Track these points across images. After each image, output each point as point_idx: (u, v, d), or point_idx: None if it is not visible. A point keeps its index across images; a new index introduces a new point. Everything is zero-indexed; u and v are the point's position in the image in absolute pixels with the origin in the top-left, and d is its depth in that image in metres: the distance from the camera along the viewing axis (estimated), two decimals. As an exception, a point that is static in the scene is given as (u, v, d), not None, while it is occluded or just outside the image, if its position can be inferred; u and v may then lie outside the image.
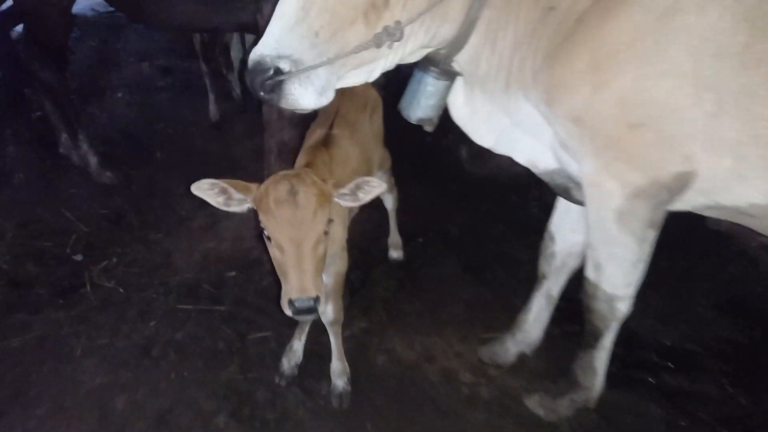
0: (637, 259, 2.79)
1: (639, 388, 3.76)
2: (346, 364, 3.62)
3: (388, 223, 4.79)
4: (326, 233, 2.56)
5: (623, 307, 2.98)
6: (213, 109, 6.91)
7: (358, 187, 2.63)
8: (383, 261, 4.76)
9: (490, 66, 2.72)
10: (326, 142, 3.20)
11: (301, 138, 5.03)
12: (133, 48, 9.27)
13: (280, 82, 2.22)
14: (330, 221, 2.56)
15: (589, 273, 2.97)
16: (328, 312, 3.44)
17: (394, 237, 4.75)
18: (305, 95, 2.26)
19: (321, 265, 2.57)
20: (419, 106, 2.79)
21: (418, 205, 5.42)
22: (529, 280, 4.67)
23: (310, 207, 2.48)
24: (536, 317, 3.66)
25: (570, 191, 3.10)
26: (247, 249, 4.81)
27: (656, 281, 3.96)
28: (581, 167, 2.71)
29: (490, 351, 3.84)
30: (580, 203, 3.14)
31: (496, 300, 4.47)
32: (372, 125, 3.74)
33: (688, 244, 4.91)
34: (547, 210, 5.80)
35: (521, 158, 3.09)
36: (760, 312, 4.43)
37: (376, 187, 2.61)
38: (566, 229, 3.36)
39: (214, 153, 6.30)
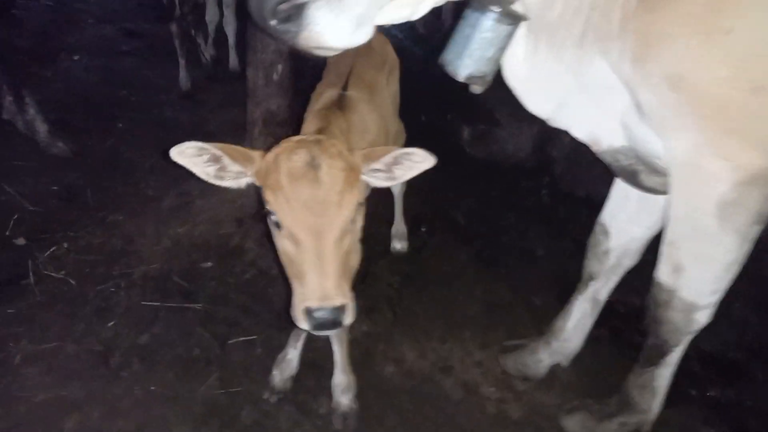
0: (732, 261, 2.24)
1: (684, 403, 3.26)
2: (352, 377, 3.00)
3: (386, 209, 4.17)
4: (354, 222, 1.94)
5: (703, 319, 2.43)
6: (183, 75, 6.15)
7: (395, 161, 2.00)
8: (385, 253, 4.15)
9: (566, 7, 2.12)
10: (341, 105, 2.54)
11: (292, 108, 4.36)
12: (95, 8, 8.36)
13: (303, 6, 1.59)
14: (360, 205, 1.93)
15: (664, 276, 2.40)
16: (333, 316, 2.81)
17: (399, 226, 4.12)
18: (336, 27, 1.64)
19: (347, 264, 1.95)
20: (472, 59, 2.16)
21: (419, 190, 4.80)
22: (547, 276, 4.22)
23: (336, 186, 1.86)
24: (577, 324, 3.11)
25: (638, 175, 2.53)
26: (225, 235, 4.13)
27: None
28: (670, 145, 2.14)
29: (517, 361, 3.27)
30: (650, 190, 2.59)
31: (515, 299, 3.92)
32: (389, 89, 3.09)
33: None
34: (561, 198, 5.40)
35: (581, 133, 2.51)
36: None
37: (422, 161, 1.98)
38: (623, 221, 2.80)
39: (184, 124, 5.55)
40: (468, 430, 2.99)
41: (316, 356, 3.26)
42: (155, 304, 3.49)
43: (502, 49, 2.22)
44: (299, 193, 1.83)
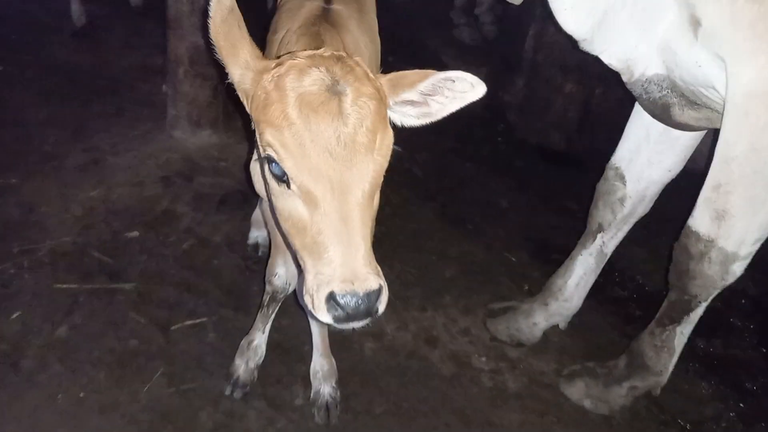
0: (790, 207, 1.98)
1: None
2: (332, 360, 2.53)
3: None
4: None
5: (739, 270, 2.20)
6: (76, 9, 5.14)
7: (434, 90, 1.49)
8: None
9: None
10: (330, 21, 1.96)
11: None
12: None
13: None
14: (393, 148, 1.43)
15: (702, 225, 2.12)
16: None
17: None
18: None
19: (372, 230, 1.44)
20: None
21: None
22: (517, 231, 3.91)
23: (368, 121, 1.36)
24: (579, 282, 2.80)
25: (670, 109, 2.22)
26: (151, 198, 3.45)
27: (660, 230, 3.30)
28: (736, 70, 1.81)
29: (509, 326, 2.93)
30: (682, 127, 2.29)
31: (489, 257, 3.59)
32: (373, 11, 2.52)
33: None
34: (517, 146, 5.11)
35: (615, 57, 2.16)
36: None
37: (470, 89, 1.48)
38: (642, 164, 2.49)
39: (82, 68, 4.64)
40: (466, 408, 2.63)
41: (282, 337, 2.76)
42: (72, 286, 2.80)
43: None
44: (319, 129, 1.31)
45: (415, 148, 4.46)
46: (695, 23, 1.86)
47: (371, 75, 1.43)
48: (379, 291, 1.36)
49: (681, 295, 2.32)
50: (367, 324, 1.45)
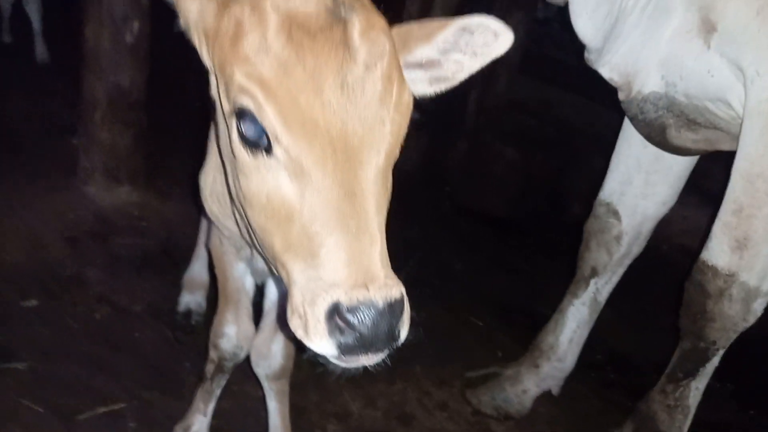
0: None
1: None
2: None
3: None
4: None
5: (760, 309, 1.98)
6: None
7: (452, 45, 1.15)
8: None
9: None
10: None
11: (150, 86, 3.24)
12: None
13: None
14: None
15: (721, 256, 1.90)
16: (274, 353, 1.83)
17: None
18: None
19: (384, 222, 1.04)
20: None
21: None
22: (476, 293, 3.61)
23: (384, 61, 0.99)
24: (573, 337, 2.50)
25: (666, 130, 2.06)
26: (54, 261, 2.86)
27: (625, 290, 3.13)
28: (759, 76, 1.65)
29: (493, 396, 2.55)
30: (677, 150, 2.13)
31: (454, 321, 3.25)
32: None
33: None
34: (461, 209, 4.91)
35: (617, 69, 2.01)
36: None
37: (495, 40, 1.15)
38: (634, 196, 2.29)
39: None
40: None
41: (223, 423, 2.20)
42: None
43: None
44: (317, 66, 0.92)
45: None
46: (709, 28, 1.72)
47: (375, 9, 1.06)
48: (402, 302, 0.95)
49: (697, 342, 2.05)
50: (384, 361, 1.04)
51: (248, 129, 0.96)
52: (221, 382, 1.97)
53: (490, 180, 4.93)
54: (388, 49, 1.00)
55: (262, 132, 0.95)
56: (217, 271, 1.76)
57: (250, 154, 0.98)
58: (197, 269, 2.70)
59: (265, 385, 1.93)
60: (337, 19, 0.96)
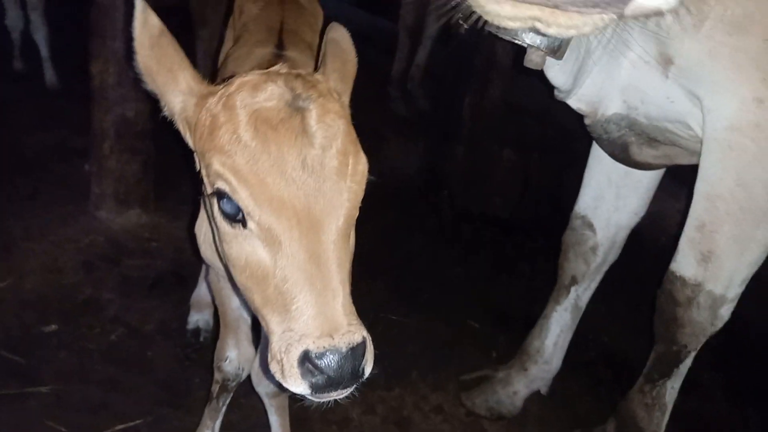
0: (772, 244, 1.92)
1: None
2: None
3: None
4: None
5: (727, 314, 2.10)
6: (-19, 92, 4.75)
7: None
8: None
9: None
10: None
11: (150, 114, 3.41)
12: None
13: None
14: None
15: (689, 269, 2.02)
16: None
17: None
18: None
19: (350, 275, 1.21)
20: None
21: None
22: (474, 300, 3.74)
23: (338, 141, 1.16)
24: (557, 340, 2.63)
25: (629, 148, 2.19)
26: (70, 285, 3.04)
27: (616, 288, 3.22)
28: (718, 103, 1.78)
29: (488, 398, 2.69)
30: (640, 165, 2.27)
31: (453, 329, 3.36)
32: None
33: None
34: (462, 214, 5.03)
35: (583, 100, 2.12)
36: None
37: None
38: (608, 210, 2.42)
39: (-11, 151, 4.20)
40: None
41: (231, 434, 2.38)
42: (-25, 395, 2.32)
43: None
44: (279, 153, 1.09)
45: (357, 222, 4.27)
46: (666, 61, 1.83)
47: (335, 92, 1.25)
48: (364, 345, 1.11)
49: (669, 346, 2.18)
50: (352, 394, 1.19)
51: (226, 206, 1.14)
52: (226, 400, 2.14)
53: (490, 183, 5.04)
54: (342, 129, 1.17)
55: (238, 209, 1.12)
56: (217, 302, 1.92)
57: (229, 225, 1.16)
58: (204, 290, 2.86)
59: (266, 401, 2.10)
60: (296, 110, 1.13)
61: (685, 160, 2.14)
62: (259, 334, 2.09)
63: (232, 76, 1.24)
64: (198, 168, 1.28)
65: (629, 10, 0.75)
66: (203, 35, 5.42)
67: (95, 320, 2.85)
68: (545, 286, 4.12)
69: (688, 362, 2.25)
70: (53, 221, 3.45)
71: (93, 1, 2.99)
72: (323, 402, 1.17)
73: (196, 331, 2.82)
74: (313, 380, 1.08)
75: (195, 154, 1.28)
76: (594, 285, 2.54)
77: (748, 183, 1.80)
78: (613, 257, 2.49)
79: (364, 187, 1.19)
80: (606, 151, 2.22)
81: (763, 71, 1.71)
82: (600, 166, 2.37)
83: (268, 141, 1.09)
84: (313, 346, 1.07)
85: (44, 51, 5.25)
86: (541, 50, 1.86)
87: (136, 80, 3.16)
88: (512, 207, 5.14)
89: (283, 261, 1.09)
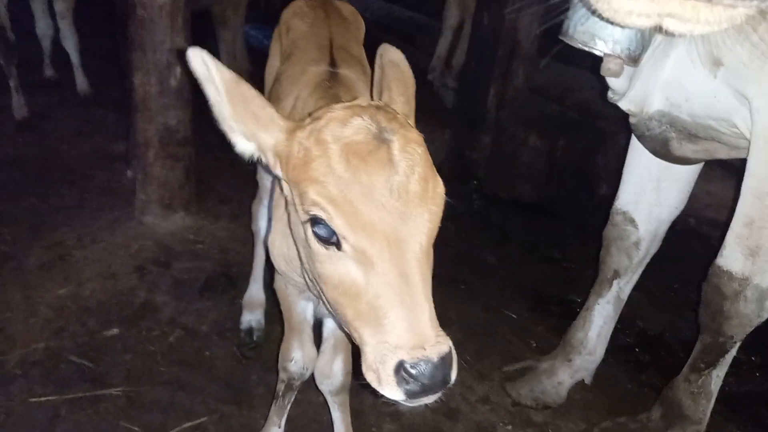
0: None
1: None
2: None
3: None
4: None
5: (773, 305, 2.14)
6: (17, 100, 4.87)
7: None
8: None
9: None
10: (343, 85, 1.86)
11: (194, 122, 3.52)
12: None
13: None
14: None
15: (735, 263, 2.09)
16: (335, 372, 2.10)
17: None
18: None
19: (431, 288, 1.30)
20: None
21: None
22: (509, 286, 3.83)
23: (420, 168, 1.26)
24: (600, 332, 2.71)
25: (669, 143, 2.25)
26: (126, 290, 3.17)
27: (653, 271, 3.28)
28: (762, 106, 1.83)
29: (533, 389, 2.78)
30: (679, 160, 2.34)
31: (490, 316, 3.46)
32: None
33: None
34: (490, 201, 5.11)
35: (632, 101, 2.18)
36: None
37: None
38: (649, 204, 2.47)
39: (32, 161, 4.35)
40: (503, 484, 2.43)
41: (290, 428, 2.50)
42: (50, 398, 2.47)
43: None
44: (370, 182, 1.20)
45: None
46: (715, 61, 1.88)
47: (409, 121, 1.36)
48: (451, 354, 1.22)
49: (716, 336, 2.25)
50: (439, 398, 1.30)
51: (321, 231, 1.24)
52: (291, 398, 2.26)
53: (516, 168, 5.09)
54: (422, 156, 1.26)
55: (333, 233, 1.22)
56: (283, 308, 2.03)
57: (323, 248, 1.26)
58: (255, 291, 2.99)
59: (329, 398, 2.22)
60: (382, 141, 1.22)
61: (724, 154, 2.20)
62: (320, 335, 2.21)
63: (318, 110, 1.34)
64: (287, 192, 1.38)
65: None
66: (225, 37, 5.53)
67: (153, 323, 2.98)
68: (578, 271, 4.22)
69: (733, 352, 2.33)
70: (102, 228, 3.59)
71: (129, 16, 3.09)
72: (417, 405, 1.27)
73: (250, 330, 2.95)
74: (408, 387, 1.19)
75: (283, 182, 1.37)
76: (636, 277, 2.62)
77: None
78: (654, 250, 2.56)
79: (442, 208, 1.28)
80: (647, 148, 2.28)
81: None
82: (639, 161, 2.43)
83: (359, 171, 1.20)
84: (408, 357, 1.17)
85: (75, 59, 5.36)
86: (621, 58, 1.89)
87: (177, 90, 3.28)
88: (540, 190, 5.20)
89: (375, 279, 1.20)
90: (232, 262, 3.52)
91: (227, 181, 4.30)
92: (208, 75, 1.29)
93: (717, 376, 2.38)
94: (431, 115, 5.66)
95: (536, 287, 3.84)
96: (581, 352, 2.72)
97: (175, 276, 3.32)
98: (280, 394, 2.24)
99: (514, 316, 3.52)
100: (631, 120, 2.22)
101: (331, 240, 1.24)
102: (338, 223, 1.21)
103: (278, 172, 1.36)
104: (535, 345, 3.27)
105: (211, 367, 2.78)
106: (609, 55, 1.82)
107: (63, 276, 3.20)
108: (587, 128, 5.11)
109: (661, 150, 2.27)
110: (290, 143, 1.30)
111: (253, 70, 6.06)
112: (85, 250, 3.41)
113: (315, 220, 1.24)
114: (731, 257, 2.08)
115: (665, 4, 0.79)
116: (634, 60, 1.82)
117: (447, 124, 5.30)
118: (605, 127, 5.00)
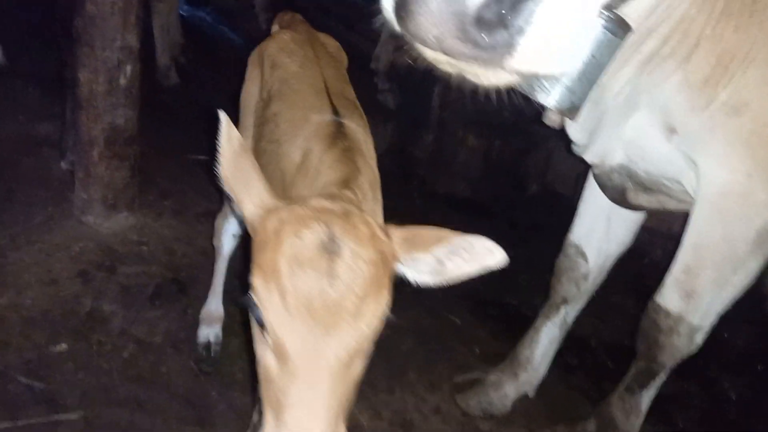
0: (747, 284, 2.27)
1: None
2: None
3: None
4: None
5: (700, 339, 2.45)
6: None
7: (453, 252, 1.40)
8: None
9: (645, 23, 1.86)
10: (350, 141, 1.86)
11: (139, 120, 3.34)
12: None
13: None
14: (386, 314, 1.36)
15: (672, 303, 2.35)
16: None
17: None
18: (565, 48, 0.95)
19: (348, 396, 1.34)
20: (576, 84, 1.70)
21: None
22: (450, 288, 3.99)
23: (358, 287, 1.27)
24: (545, 351, 2.94)
25: (626, 193, 2.48)
26: (71, 297, 3.03)
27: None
28: (712, 172, 2.06)
29: (480, 400, 2.99)
30: (635, 208, 2.54)
31: (435, 322, 3.64)
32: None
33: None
34: (429, 198, 5.22)
35: (596, 154, 2.35)
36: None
37: (489, 255, 1.39)
38: (599, 240, 2.70)
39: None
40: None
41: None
42: (5, 425, 2.36)
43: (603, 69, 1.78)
44: (302, 288, 1.24)
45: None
46: (670, 129, 2.07)
47: (378, 235, 1.35)
48: None
49: (650, 363, 2.53)
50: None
51: (256, 313, 1.31)
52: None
53: (454, 166, 5.28)
54: (367, 276, 1.27)
55: (263, 321, 1.29)
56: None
57: (258, 327, 1.33)
58: (214, 305, 2.96)
59: None
60: (327, 252, 1.26)
61: (673, 206, 2.43)
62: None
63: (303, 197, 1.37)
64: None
65: (509, 69, 0.89)
66: (160, 9, 5.24)
67: (104, 335, 2.88)
68: (512, 272, 4.47)
69: (663, 376, 2.62)
70: (38, 227, 3.37)
71: (77, 11, 2.86)
72: None
73: (207, 345, 2.93)
74: None
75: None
76: (582, 304, 2.85)
77: (732, 238, 2.10)
78: (600, 281, 2.80)
79: (377, 325, 1.32)
80: (607, 196, 2.47)
81: (752, 149, 1.99)
82: (595, 200, 2.63)
83: (296, 277, 1.24)
84: None
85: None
86: (558, 110, 2.03)
87: (126, 88, 3.14)
88: (473, 188, 5.43)
89: (284, 375, 1.26)
90: (180, 266, 3.44)
91: (167, 173, 4.14)
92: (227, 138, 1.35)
93: (648, 397, 2.67)
94: (375, 110, 5.68)
95: (475, 290, 4.03)
96: (527, 369, 2.94)
97: (121, 282, 3.20)
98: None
99: (458, 321, 3.72)
100: (595, 171, 2.39)
101: (262, 325, 1.30)
102: (266, 316, 1.27)
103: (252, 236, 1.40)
104: (478, 351, 3.49)
105: (169, 384, 2.75)
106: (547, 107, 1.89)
107: (0, 281, 3.00)
108: (522, 130, 5.35)
109: (619, 198, 2.47)
110: (263, 223, 1.34)
111: (185, 44, 5.81)
112: (20, 251, 3.19)
113: (252, 301, 1.30)
114: (669, 297, 2.33)
115: (457, 64, 0.94)
116: (570, 112, 1.85)
117: (390, 120, 5.36)
118: (536, 130, 5.26)
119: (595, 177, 2.45)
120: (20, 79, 4.74)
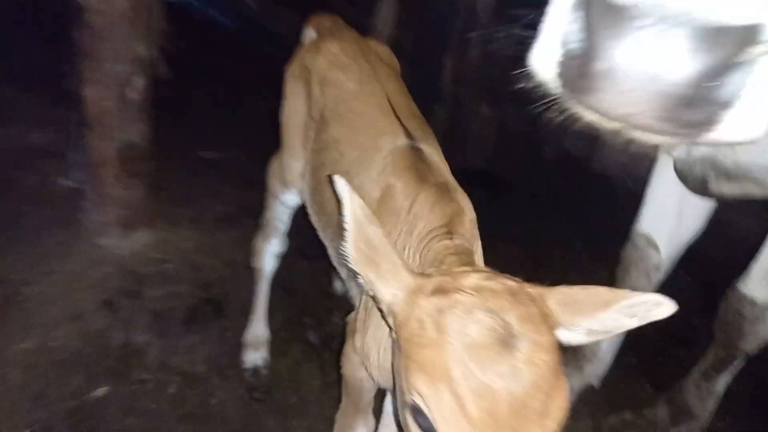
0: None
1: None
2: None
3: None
4: None
5: (783, 326, 2.33)
6: None
7: (617, 312, 1.18)
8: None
9: None
10: (431, 169, 1.65)
11: (154, 134, 3.06)
12: None
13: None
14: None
15: (758, 292, 2.25)
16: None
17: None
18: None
19: None
20: None
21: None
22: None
23: (544, 381, 1.07)
24: (611, 342, 2.81)
25: (707, 183, 2.28)
26: (100, 332, 2.82)
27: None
28: None
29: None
30: (715, 197, 2.36)
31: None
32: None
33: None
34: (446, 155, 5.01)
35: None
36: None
37: (656, 308, 1.18)
38: (669, 229, 2.54)
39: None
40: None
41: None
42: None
43: None
44: (484, 393, 1.03)
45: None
46: None
47: (546, 310, 1.16)
48: None
49: (730, 350, 2.43)
50: None
51: (423, 422, 1.09)
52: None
53: (468, 139, 5.08)
54: (549, 366, 1.08)
55: (434, 429, 1.08)
56: (350, 388, 1.88)
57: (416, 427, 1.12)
58: (260, 329, 2.78)
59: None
60: (506, 347, 1.06)
61: (759, 193, 2.27)
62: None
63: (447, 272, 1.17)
64: (395, 343, 1.23)
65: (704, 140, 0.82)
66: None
67: (143, 372, 2.69)
68: (547, 249, 4.33)
69: (741, 362, 2.52)
70: (52, 253, 3.12)
71: (80, 23, 2.55)
72: None
73: (256, 370, 2.76)
74: None
75: (394, 334, 1.21)
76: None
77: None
78: (670, 271, 2.66)
79: (563, 420, 1.12)
80: (688, 187, 2.31)
81: None
82: (663, 187, 2.47)
83: (474, 381, 1.04)
84: None
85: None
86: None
87: (139, 103, 2.86)
88: (488, 160, 5.26)
89: None
90: (209, 282, 3.23)
91: (176, 176, 3.89)
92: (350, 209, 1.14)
93: (724, 381, 2.58)
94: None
95: (513, 270, 3.89)
96: (592, 362, 2.83)
97: (150, 308, 2.99)
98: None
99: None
100: (677, 165, 2.22)
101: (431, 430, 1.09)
102: (439, 425, 1.06)
103: (391, 324, 1.20)
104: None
105: (223, 418, 2.59)
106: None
107: (20, 323, 2.76)
108: (535, 95, 5.14)
109: (700, 188, 2.31)
110: (409, 309, 1.14)
111: (170, 30, 5.42)
112: (39, 284, 2.95)
113: (416, 409, 1.10)
114: (756, 287, 2.25)
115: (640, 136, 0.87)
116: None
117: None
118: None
119: (676, 169, 2.28)
120: (6, 81, 4.37)
